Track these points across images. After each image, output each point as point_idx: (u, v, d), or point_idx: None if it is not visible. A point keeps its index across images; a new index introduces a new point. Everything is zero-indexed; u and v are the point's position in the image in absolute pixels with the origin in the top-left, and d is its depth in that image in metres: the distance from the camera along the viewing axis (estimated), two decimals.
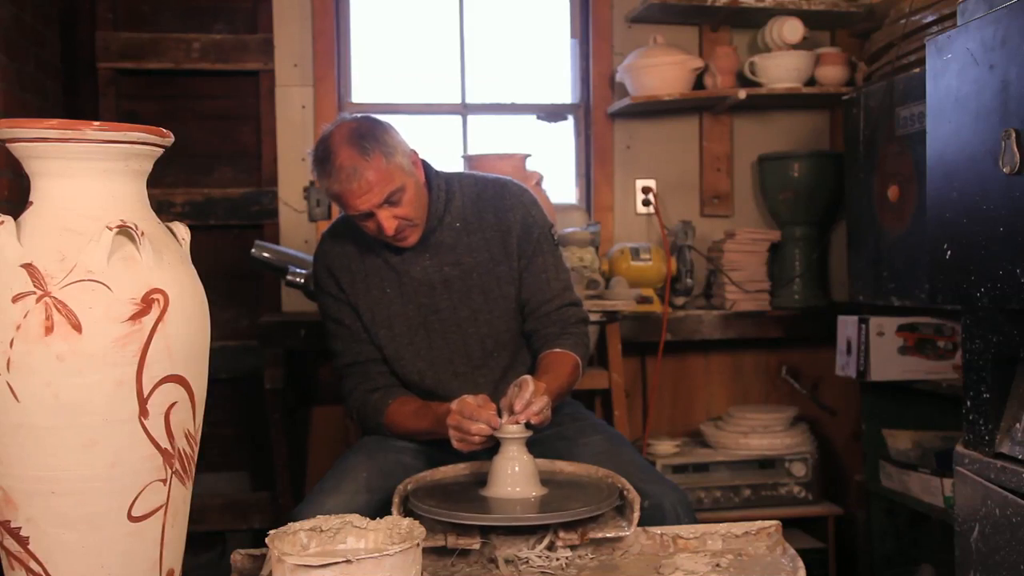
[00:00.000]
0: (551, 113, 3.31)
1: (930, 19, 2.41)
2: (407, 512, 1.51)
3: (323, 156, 1.82)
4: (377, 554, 1.13)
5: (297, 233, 3.09)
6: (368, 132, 1.82)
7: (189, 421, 1.19)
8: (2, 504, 1.13)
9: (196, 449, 1.22)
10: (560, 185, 3.29)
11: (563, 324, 1.99)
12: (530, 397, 1.65)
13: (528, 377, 1.70)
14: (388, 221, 1.83)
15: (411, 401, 1.95)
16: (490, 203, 1.99)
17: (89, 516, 1.12)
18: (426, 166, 1.96)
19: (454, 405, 1.71)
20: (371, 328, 1.97)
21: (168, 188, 3.04)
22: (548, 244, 2.02)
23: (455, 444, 1.70)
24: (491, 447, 1.67)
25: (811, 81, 3.07)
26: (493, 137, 3.31)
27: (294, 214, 3.09)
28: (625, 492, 1.56)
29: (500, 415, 1.66)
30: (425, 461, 1.86)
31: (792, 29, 3.01)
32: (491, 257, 1.97)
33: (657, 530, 1.53)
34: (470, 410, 1.67)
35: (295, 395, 2.94)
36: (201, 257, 1.36)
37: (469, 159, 2.93)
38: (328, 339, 2.05)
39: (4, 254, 1.11)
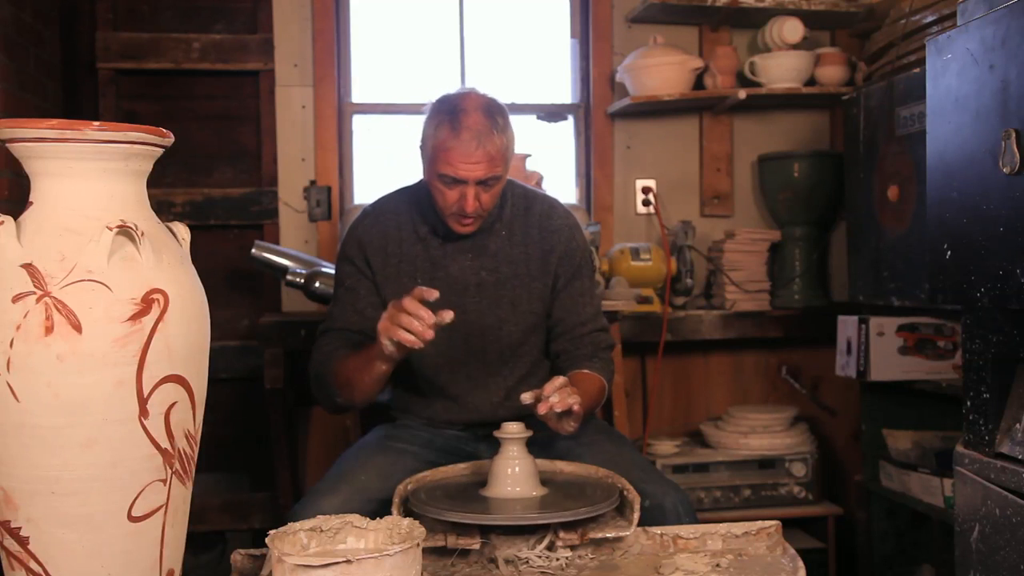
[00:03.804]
0: (551, 113, 3.31)
1: (930, 19, 2.41)
2: (407, 512, 1.51)
3: (452, 109, 1.82)
4: (377, 554, 1.13)
5: (297, 233, 3.09)
6: (500, 112, 1.85)
7: (189, 421, 1.19)
8: (2, 504, 1.13)
9: (196, 449, 1.22)
10: (560, 185, 3.29)
11: (594, 347, 2.00)
12: (560, 386, 1.65)
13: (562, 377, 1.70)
14: (473, 200, 1.83)
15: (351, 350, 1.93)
16: (537, 220, 2.00)
17: (89, 516, 1.12)
18: None
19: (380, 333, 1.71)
20: None
21: (168, 188, 3.03)
22: (587, 269, 2.05)
23: (381, 329, 1.70)
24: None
25: (811, 81, 3.07)
26: None
27: (294, 214, 3.09)
28: (625, 492, 1.56)
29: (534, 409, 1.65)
30: (424, 463, 1.86)
31: (792, 29, 3.01)
32: (528, 272, 1.98)
33: (657, 530, 1.53)
34: (397, 318, 1.67)
35: (295, 395, 2.94)
36: (201, 257, 1.36)
37: None
38: (332, 302, 2.02)
39: (4, 254, 1.11)
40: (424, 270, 1.96)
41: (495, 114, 1.84)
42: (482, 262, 1.97)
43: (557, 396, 1.63)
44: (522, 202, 2.02)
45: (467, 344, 1.97)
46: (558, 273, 1.99)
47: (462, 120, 1.80)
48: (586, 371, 1.93)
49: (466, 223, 1.89)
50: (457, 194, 1.84)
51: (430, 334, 1.64)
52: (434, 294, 1.68)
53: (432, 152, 1.85)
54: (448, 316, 1.66)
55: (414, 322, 1.64)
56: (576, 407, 1.65)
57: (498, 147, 1.82)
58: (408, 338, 1.65)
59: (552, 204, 2.05)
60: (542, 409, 1.62)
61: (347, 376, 1.86)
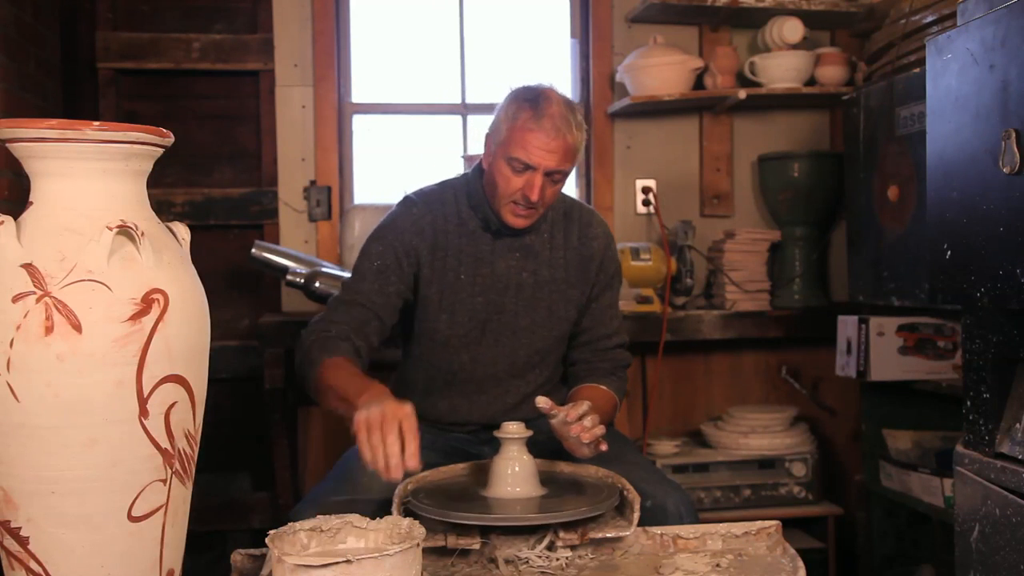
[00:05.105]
0: None
1: (930, 19, 2.41)
2: (407, 512, 1.51)
3: (536, 97, 1.83)
4: (377, 554, 1.13)
5: (297, 233, 3.08)
6: (578, 111, 1.88)
7: (189, 421, 1.19)
8: (2, 504, 1.13)
9: (196, 449, 1.22)
10: None
11: (614, 364, 2.00)
12: (587, 412, 1.63)
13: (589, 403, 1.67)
14: (537, 189, 1.82)
15: (355, 366, 1.79)
16: (577, 225, 2.00)
17: (89, 516, 1.12)
18: None
19: (375, 406, 1.50)
20: (434, 311, 1.93)
21: (168, 188, 3.03)
22: (617, 282, 2.05)
23: (358, 424, 1.49)
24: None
25: (811, 81, 3.07)
26: None
27: (294, 214, 3.09)
28: (625, 492, 1.56)
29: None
30: (425, 464, 1.85)
31: (792, 29, 3.01)
32: (566, 277, 1.97)
33: (657, 530, 1.53)
34: (389, 426, 1.46)
35: (295, 395, 2.94)
36: (201, 257, 1.36)
37: (469, 159, 2.93)
38: (353, 276, 1.92)
39: (4, 254, 1.11)
40: (469, 264, 1.93)
41: (575, 110, 1.86)
42: (526, 263, 1.95)
43: (590, 422, 1.61)
44: (561, 206, 2.01)
45: (499, 344, 1.96)
46: (594, 282, 1.99)
47: (545, 108, 1.81)
48: (604, 388, 1.93)
49: (522, 214, 1.87)
50: (523, 181, 1.82)
51: (395, 475, 1.45)
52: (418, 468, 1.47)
53: (507, 134, 1.83)
54: (417, 468, 1.47)
55: (394, 451, 1.44)
56: (603, 445, 1.63)
57: (574, 142, 1.83)
58: (375, 464, 1.46)
59: (591, 212, 2.06)
60: (574, 431, 1.60)
61: (326, 391, 1.75)
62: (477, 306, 1.93)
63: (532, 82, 1.89)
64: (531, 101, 1.82)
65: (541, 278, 1.96)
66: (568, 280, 1.97)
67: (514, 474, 1.58)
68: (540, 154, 1.80)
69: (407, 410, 1.50)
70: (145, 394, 1.13)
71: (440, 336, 1.94)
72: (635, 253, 2.99)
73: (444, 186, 2.01)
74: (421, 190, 2.01)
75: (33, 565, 1.13)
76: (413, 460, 1.44)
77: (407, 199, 1.99)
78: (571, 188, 3.31)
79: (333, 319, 1.87)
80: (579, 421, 1.61)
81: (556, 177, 1.85)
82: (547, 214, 1.97)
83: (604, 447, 1.63)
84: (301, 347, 1.86)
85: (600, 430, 1.62)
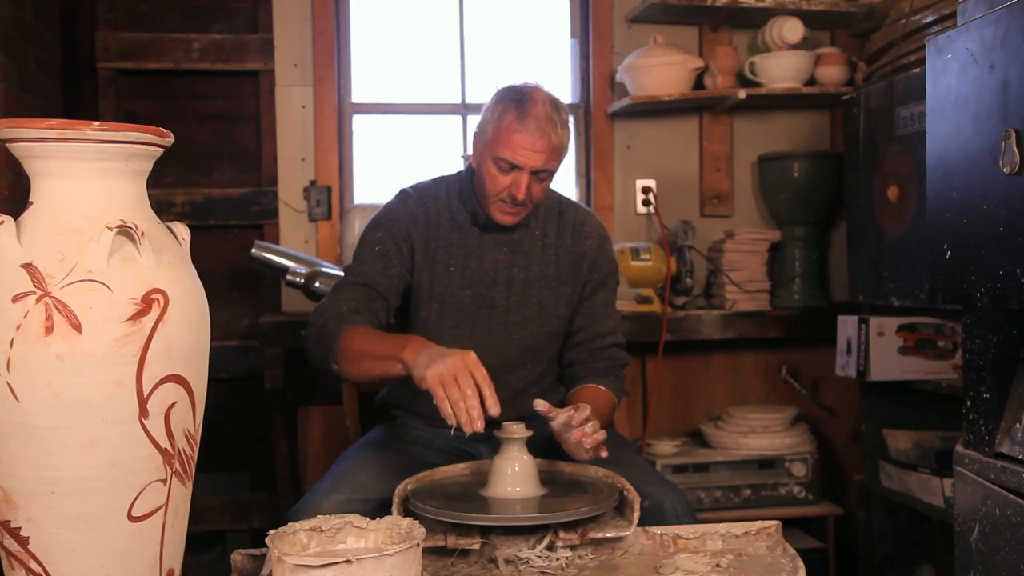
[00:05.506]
0: None
1: (930, 19, 2.41)
2: (407, 512, 1.51)
3: (520, 98, 1.84)
4: (377, 554, 1.13)
5: (297, 233, 3.09)
6: (564, 109, 1.89)
7: (189, 421, 1.19)
8: (2, 504, 1.13)
9: (196, 449, 1.22)
10: (560, 185, 3.27)
11: (611, 363, 1.99)
12: (588, 417, 1.62)
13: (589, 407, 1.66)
14: (524, 188, 1.84)
15: (377, 331, 1.85)
16: (571, 224, 2.02)
17: (89, 516, 1.12)
18: None
19: (439, 362, 1.56)
20: (424, 300, 1.95)
21: (168, 188, 3.04)
22: (612, 281, 2.06)
23: (431, 377, 1.55)
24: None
25: (811, 81, 3.07)
26: None
27: (294, 214, 3.09)
28: (625, 492, 1.56)
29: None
30: (424, 463, 1.85)
31: (792, 29, 3.01)
32: (558, 275, 1.99)
33: (657, 530, 1.53)
34: (464, 379, 1.53)
35: (295, 395, 2.94)
36: (201, 257, 1.36)
37: (469, 159, 2.93)
38: (355, 261, 1.95)
39: (4, 254, 1.11)
40: (457, 258, 1.96)
41: (560, 109, 1.87)
42: (515, 259, 1.97)
43: (591, 428, 1.60)
44: (556, 206, 2.04)
45: (490, 339, 1.96)
46: (587, 280, 2.00)
47: (529, 108, 1.82)
48: (602, 388, 1.93)
49: (509, 212, 1.89)
50: (509, 180, 1.85)
51: (479, 426, 1.53)
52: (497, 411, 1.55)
53: (493, 135, 1.85)
54: (497, 414, 1.55)
55: (474, 403, 1.53)
56: (603, 452, 1.63)
57: (560, 141, 1.84)
58: (459, 419, 1.53)
59: (587, 212, 2.08)
60: (575, 436, 1.60)
61: (357, 355, 1.78)
62: (466, 298, 1.95)
63: (518, 81, 1.91)
64: (516, 101, 1.84)
65: (532, 274, 1.97)
66: (559, 277, 1.99)
67: (514, 474, 1.58)
68: (525, 154, 1.82)
69: (473, 357, 1.56)
70: (145, 394, 1.13)
71: (432, 328, 1.95)
72: (635, 253, 2.99)
73: (438, 182, 2.05)
74: (416, 184, 2.05)
75: (33, 565, 1.13)
76: (495, 407, 1.53)
77: (403, 191, 2.03)
78: (571, 188, 3.31)
79: (341, 298, 1.89)
80: (581, 427, 1.60)
81: (542, 176, 1.87)
82: (539, 211, 1.99)
83: (604, 453, 1.63)
84: (313, 327, 1.87)
85: (601, 435, 1.62)
